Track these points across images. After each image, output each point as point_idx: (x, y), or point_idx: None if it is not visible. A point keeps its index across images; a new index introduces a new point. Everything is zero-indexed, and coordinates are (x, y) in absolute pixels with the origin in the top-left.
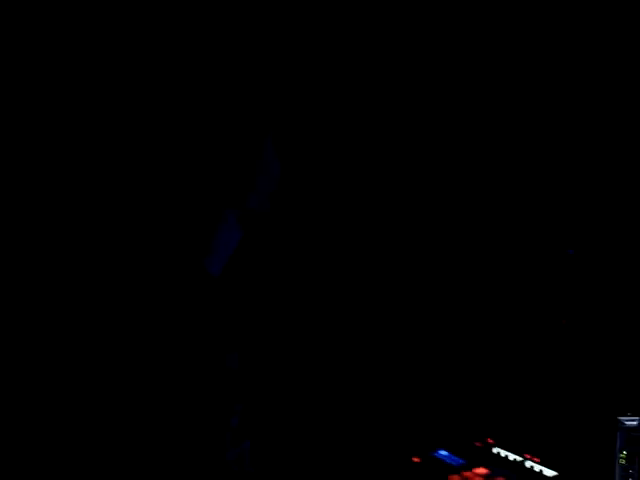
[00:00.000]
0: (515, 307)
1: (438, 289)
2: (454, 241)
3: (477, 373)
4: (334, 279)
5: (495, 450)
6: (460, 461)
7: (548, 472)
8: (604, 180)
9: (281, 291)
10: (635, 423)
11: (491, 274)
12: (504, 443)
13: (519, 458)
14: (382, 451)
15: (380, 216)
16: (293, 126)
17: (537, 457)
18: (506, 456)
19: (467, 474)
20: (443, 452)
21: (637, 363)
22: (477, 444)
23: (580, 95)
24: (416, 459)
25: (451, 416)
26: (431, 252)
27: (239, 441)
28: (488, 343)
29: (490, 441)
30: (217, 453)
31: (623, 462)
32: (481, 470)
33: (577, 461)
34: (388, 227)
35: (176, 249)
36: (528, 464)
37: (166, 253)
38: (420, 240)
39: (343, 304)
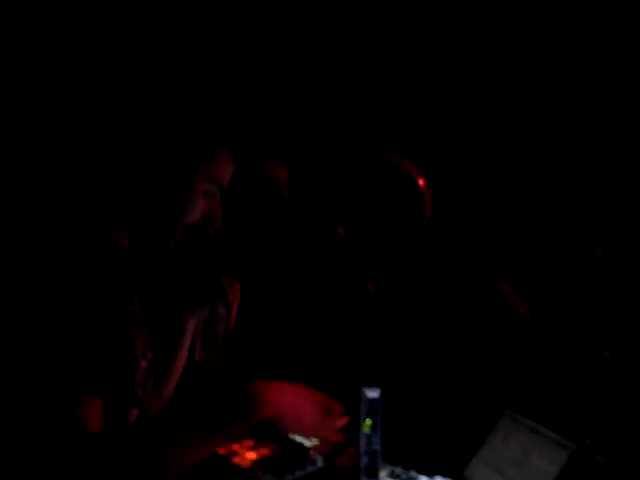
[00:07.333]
0: None
1: None
2: None
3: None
4: None
5: None
6: None
7: (308, 442)
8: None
9: None
10: (376, 395)
11: None
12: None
13: None
14: None
15: None
16: None
17: None
18: None
19: (236, 446)
20: None
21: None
22: None
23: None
24: None
25: None
26: None
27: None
28: None
29: None
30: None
31: (367, 431)
32: (248, 442)
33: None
34: None
35: None
36: (291, 436)
37: None
38: None
39: None
